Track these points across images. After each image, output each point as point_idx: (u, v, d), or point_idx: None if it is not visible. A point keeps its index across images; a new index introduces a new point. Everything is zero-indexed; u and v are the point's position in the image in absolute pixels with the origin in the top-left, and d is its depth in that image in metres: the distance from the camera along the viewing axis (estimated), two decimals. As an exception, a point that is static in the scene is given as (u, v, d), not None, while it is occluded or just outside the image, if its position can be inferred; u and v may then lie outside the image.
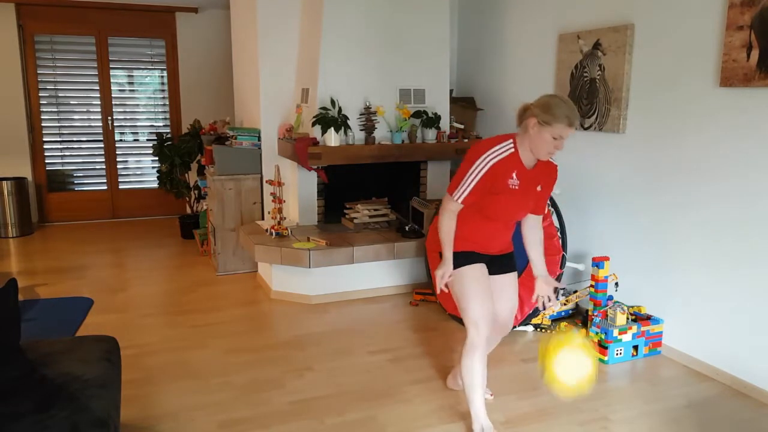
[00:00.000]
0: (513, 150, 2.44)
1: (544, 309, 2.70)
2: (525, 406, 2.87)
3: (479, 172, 2.42)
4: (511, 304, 2.73)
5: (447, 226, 2.53)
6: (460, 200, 2.46)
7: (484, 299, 2.55)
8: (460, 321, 3.88)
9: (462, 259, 2.58)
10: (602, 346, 3.37)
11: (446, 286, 2.57)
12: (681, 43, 3.26)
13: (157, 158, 6.57)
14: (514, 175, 2.45)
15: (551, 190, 2.68)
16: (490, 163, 2.41)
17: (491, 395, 2.96)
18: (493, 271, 2.68)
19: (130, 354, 3.43)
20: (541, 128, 2.36)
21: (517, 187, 2.47)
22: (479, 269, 2.59)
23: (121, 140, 7.07)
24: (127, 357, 3.38)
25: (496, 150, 2.43)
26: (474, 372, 2.55)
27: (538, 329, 3.81)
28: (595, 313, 3.48)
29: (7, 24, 6.36)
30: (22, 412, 1.87)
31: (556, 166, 2.61)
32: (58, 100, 6.76)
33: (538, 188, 2.56)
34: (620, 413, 2.82)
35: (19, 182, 6.28)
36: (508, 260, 2.73)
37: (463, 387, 2.61)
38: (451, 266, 2.53)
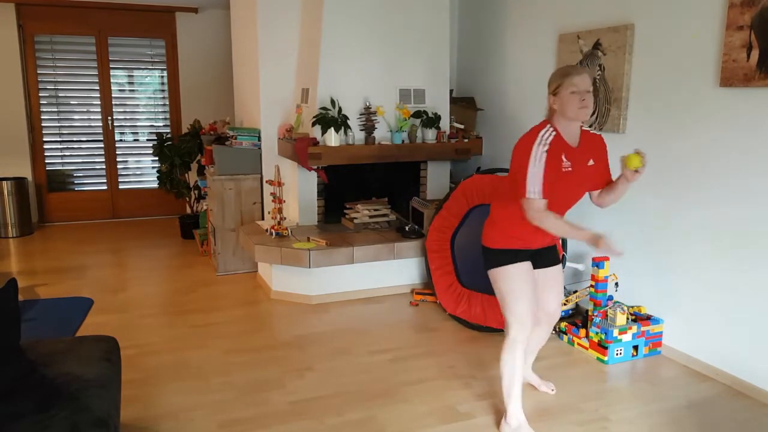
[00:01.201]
0: (554, 133, 2.45)
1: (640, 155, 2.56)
2: (525, 406, 2.87)
3: (540, 161, 2.38)
4: (558, 296, 2.79)
5: (553, 224, 2.40)
6: (538, 194, 2.37)
7: (530, 298, 2.59)
8: (460, 321, 3.88)
9: (508, 257, 2.58)
10: (602, 346, 3.37)
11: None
12: (681, 43, 3.26)
13: (157, 158, 6.57)
14: (563, 157, 2.44)
15: (606, 160, 2.65)
16: (545, 148, 2.39)
17: (553, 390, 3.01)
18: (538, 264, 2.72)
19: (130, 354, 3.43)
20: (557, 97, 2.43)
21: (570, 169, 2.46)
22: (525, 267, 2.59)
23: (121, 140, 7.07)
24: (127, 357, 3.38)
25: (543, 136, 2.43)
26: (516, 367, 2.59)
27: (538, 329, 3.81)
28: (595, 313, 3.48)
29: (7, 24, 6.36)
30: (22, 412, 1.87)
31: (600, 135, 2.63)
32: (58, 100, 6.76)
33: (590, 162, 2.56)
34: (620, 413, 2.82)
35: (19, 182, 6.28)
36: (552, 253, 2.77)
37: (502, 381, 2.64)
38: (596, 234, 2.38)
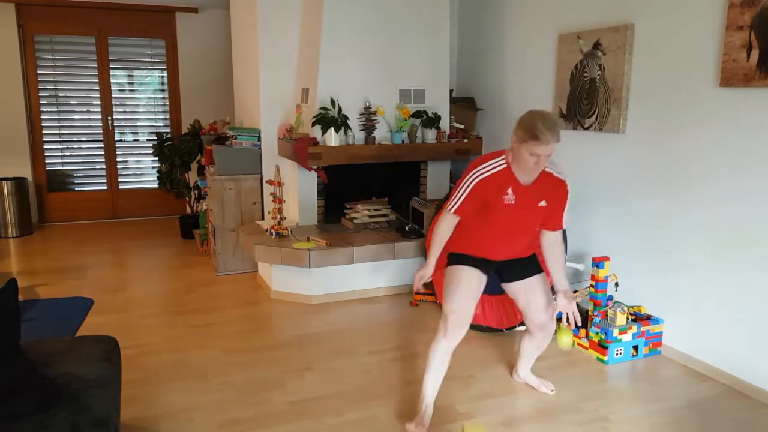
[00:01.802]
0: (505, 166, 2.51)
1: (568, 324, 2.74)
2: (525, 406, 2.87)
3: (467, 187, 2.52)
4: (544, 306, 2.78)
5: (438, 231, 2.63)
6: (451, 211, 2.57)
7: (464, 297, 2.63)
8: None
9: (458, 259, 2.72)
10: (602, 346, 3.37)
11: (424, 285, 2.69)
12: (681, 43, 3.26)
13: (157, 158, 6.58)
14: (509, 191, 2.51)
15: (563, 206, 2.66)
16: (477, 180, 2.51)
17: (552, 390, 3.01)
18: (511, 277, 2.78)
19: (130, 354, 3.43)
20: (519, 144, 2.42)
21: (513, 202, 2.53)
22: (472, 272, 2.68)
23: (121, 140, 7.07)
24: (127, 357, 3.38)
25: (486, 166, 2.52)
26: (432, 359, 2.64)
27: (538, 329, 3.81)
28: (595, 313, 3.48)
29: (7, 24, 6.36)
30: (22, 412, 1.87)
31: (564, 182, 2.61)
32: (58, 100, 6.76)
33: (542, 203, 2.58)
34: (620, 413, 2.82)
35: (19, 182, 6.28)
36: (525, 265, 2.78)
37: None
38: (431, 270, 2.64)
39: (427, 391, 2.65)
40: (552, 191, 2.59)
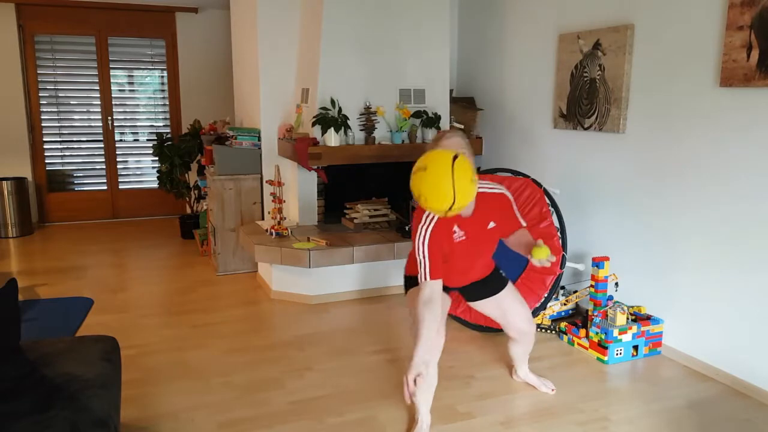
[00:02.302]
0: None
1: (549, 265, 2.55)
2: (525, 406, 2.87)
3: (424, 246, 2.36)
4: (521, 314, 2.79)
5: (420, 318, 2.28)
6: (429, 279, 2.34)
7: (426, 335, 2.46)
8: (460, 321, 3.88)
9: (416, 280, 2.58)
10: (602, 346, 3.37)
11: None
12: (681, 43, 3.26)
13: (157, 158, 6.58)
14: (455, 228, 2.42)
15: (513, 213, 2.62)
16: (428, 234, 2.37)
17: (553, 390, 3.01)
18: (477, 296, 2.79)
19: (130, 354, 3.43)
20: None
21: (464, 238, 2.45)
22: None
23: (121, 140, 7.07)
24: (127, 357, 3.38)
25: (426, 218, 2.39)
26: (423, 390, 2.56)
27: (538, 329, 3.81)
28: (595, 313, 3.48)
29: (7, 24, 6.36)
30: (22, 412, 1.87)
31: (501, 193, 2.56)
32: (58, 100, 6.77)
33: (491, 225, 2.53)
34: (620, 413, 2.82)
35: (19, 182, 6.28)
36: (489, 282, 2.77)
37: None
38: (421, 368, 2.21)
39: (421, 407, 2.62)
40: (495, 209, 2.54)
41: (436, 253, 2.37)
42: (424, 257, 2.35)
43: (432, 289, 2.35)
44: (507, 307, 2.78)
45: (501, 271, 2.83)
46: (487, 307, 2.81)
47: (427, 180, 2.11)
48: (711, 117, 3.12)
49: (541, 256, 2.43)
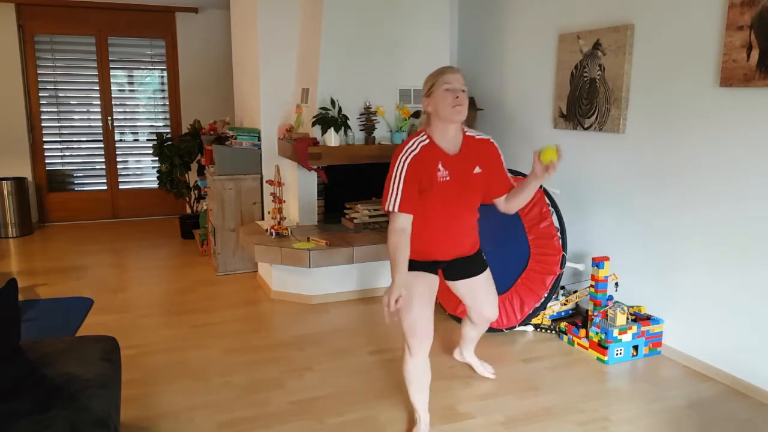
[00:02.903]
0: (427, 141, 2.39)
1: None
2: (525, 406, 2.87)
3: (401, 174, 2.32)
4: (491, 301, 2.79)
5: (393, 244, 2.31)
6: (396, 209, 2.31)
7: (423, 309, 2.48)
8: (460, 321, 3.88)
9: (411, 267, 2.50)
10: (602, 346, 3.37)
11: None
12: (681, 43, 3.26)
13: (157, 158, 6.58)
14: (439, 165, 2.37)
15: (500, 164, 2.56)
16: (407, 161, 2.33)
17: (493, 374, 3.07)
18: (458, 275, 2.69)
19: (130, 354, 3.43)
20: (431, 98, 2.37)
21: (448, 178, 2.39)
22: (419, 276, 2.50)
23: (121, 140, 7.07)
24: (127, 357, 3.38)
25: (409, 146, 2.37)
26: (410, 379, 2.55)
27: (538, 329, 3.81)
28: (595, 313, 3.48)
29: (7, 24, 6.36)
30: (22, 412, 1.87)
31: (488, 139, 2.53)
32: (58, 100, 6.77)
33: (477, 170, 2.47)
34: (620, 413, 2.82)
35: (19, 182, 6.28)
36: (474, 262, 2.69)
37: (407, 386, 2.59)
38: (401, 290, 2.27)
39: (418, 406, 2.60)
40: (481, 154, 2.49)
41: (411, 184, 2.31)
42: (397, 185, 2.29)
43: (403, 219, 2.32)
44: (481, 291, 2.73)
45: (483, 254, 2.77)
46: (462, 288, 2.72)
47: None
48: (711, 117, 3.12)
49: (552, 157, 2.31)
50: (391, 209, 2.32)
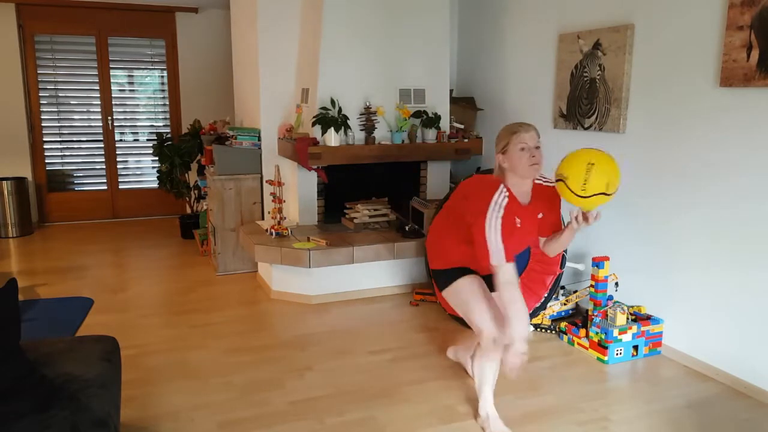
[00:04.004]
0: (508, 196, 2.49)
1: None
2: (525, 406, 2.87)
3: (496, 228, 2.42)
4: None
5: (508, 299, 2.45)
6: (503, 261, 2.43)
7: (483, 311, 2.60)
8: (460, 321, 3.88)
9: (452, 274, 2.70)
10: (602, 346, 3.37)
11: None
12: (681, 43, 3.26)
13: (157, 158, 6.57)
14: (516, 218, 2.52)
15: (558, 211, 2.67)
16: (500, 216, 2.43)
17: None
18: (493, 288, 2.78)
19: (130, 354, 3.43)
20: (507, 155, 2.47)
21: (520, 225, 2.53)
22: (471, 278, 2.67)
23: (121, 140, 7.07)
24: (127, 357, 3.38)
25: (497, 201, 2.46)
26: (483, 373, 2.70)
27: (538, 329, 3.81)
28: (595, 313, 3.48)
29: (7, 24, 6.36)
30: (22, 412, 1.87)
31: (554, 188, 2.58)
32: (58, 100, 6.76)
33: (540, 216, 2.61)
34: (620, 413, 2.82)
35: (19, 182, 6.28)
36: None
37: (475, 379, 2.77)
38: (524, 344, 2.45)
39: (487, 401, 2.71)
40: (546, 201, 2.60)
41: (504, 235, 2.45)
42: (496, 241, 2.42)
43: (510, 269, 2.46)
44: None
45: None
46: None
47: (605, 169, 2.27)
48: (711, 117, 3.12)
49: (598, 201, 2.34)
50: (499, 262, 2.43)
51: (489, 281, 2.76)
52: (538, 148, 2.44)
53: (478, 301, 2.61)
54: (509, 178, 2.51)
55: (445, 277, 2.73)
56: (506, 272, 2.45)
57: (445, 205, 2.65)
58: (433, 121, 4.57)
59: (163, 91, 7.13)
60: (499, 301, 2.75)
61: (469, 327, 3.83)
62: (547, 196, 2.60)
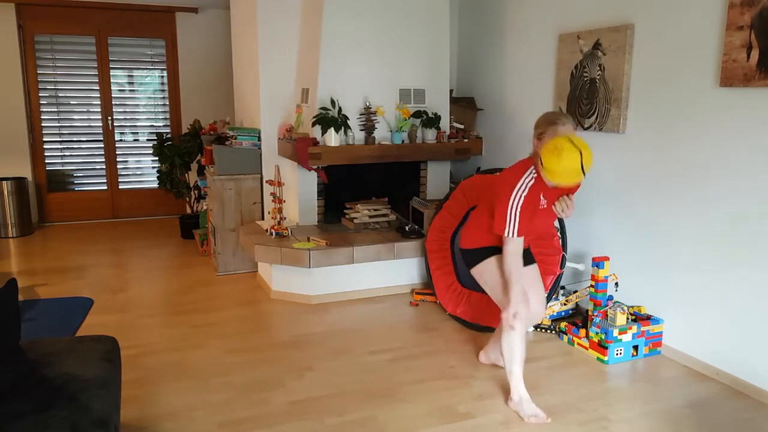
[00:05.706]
0: (536, 175, 2.68)
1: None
2: (525, 406, 2.87)
3: (517, 205, 2.65)
4: (540, 295, 2.98)
5: (510, 267, 2.73)
6: (515, 235, 2.67)
7: (517, 282, 2.78)
8: (460, 321, 3.88)
9: (488, 251, 2.90)
10: (602, 346, 3.37)
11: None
12: (681, 43, 3.26)
13: (157, 158, 6.57)
14: (541, 196, 2.71)
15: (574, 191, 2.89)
16: (524, 194, 2.65)
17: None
18: (526, 261, 2.96)
19: (130, 354, 3.43)
20: (541, 141, 2.67)
21: (545, 205, 2.74)
22: (500, 257, 2.84)
23: (121, 140, 7.07)
24: (127, 357, 3.38)
25: (525, 181, 2.67)
26: (513, 348, 2.79)
27: (539, 329, 3.81)
28: (595, 313, 3.48)
29: (7, 24, 6.36)
30: (22, 412, 1.87)
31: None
32: (58, 100, 6.76)
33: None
34: (620, 413, 2.82)
35: (19, 182, 6.28)
36: (526, 252, 2.98)
37: (504, 361, 2.86)
38: (518, 306, 2.74)
39: (518, 383, 2.80)
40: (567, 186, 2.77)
41: (525, 214, 2.67)
42: (515, 216, 2.65)
43: (518, 243, 2.71)
44: (532, 283, 2.96)
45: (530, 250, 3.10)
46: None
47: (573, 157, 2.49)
48: (711, 117, 3.12)
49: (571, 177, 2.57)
50: (510, 235, 2.68)
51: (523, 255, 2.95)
52: None
53: (520, 276, 2.77)
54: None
55: (476, 255, 2.92)
56: (515, 244, 2.69)
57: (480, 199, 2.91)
58: (433, 121, 4.57)
59: (163, 91, 7.13)
60: (525, 279, 2.91)
61: (472, 327, 3.84)
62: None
